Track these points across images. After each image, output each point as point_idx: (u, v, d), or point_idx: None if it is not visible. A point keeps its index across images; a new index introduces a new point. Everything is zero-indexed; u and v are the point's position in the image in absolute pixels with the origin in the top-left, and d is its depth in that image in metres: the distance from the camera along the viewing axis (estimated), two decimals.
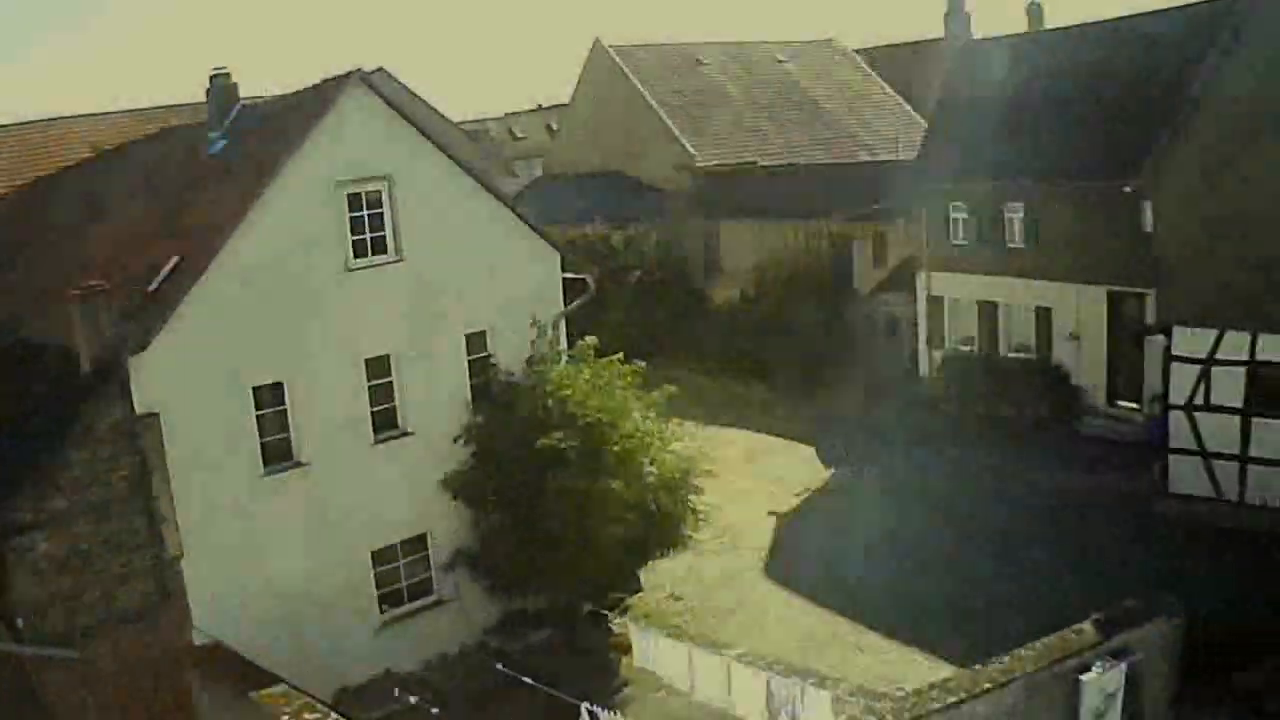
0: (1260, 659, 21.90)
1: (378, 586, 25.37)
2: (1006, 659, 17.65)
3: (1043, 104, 40.32)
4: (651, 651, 23.72)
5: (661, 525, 26.09)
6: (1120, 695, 18.00)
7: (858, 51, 69.66)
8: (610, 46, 60.96)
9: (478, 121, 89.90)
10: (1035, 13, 47.39)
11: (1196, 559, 26.48)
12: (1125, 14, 40.54)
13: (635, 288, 51.77)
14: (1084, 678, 17.45)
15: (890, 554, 28.98)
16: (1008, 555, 28.78)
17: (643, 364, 27.15)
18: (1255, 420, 28.42)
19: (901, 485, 34.49)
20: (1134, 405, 37.53)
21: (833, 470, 37.54)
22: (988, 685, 17.04)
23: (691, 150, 57.09)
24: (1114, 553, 28.24)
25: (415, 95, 67.84)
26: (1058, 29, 43.75)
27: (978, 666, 17.62)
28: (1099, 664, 17.91)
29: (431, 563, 26.10)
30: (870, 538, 29.89)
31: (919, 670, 23.64)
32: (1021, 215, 40.47)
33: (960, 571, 28.00)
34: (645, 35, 64.16)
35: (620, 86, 60.03)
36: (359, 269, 24.47)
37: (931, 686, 17.36)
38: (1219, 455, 29.21)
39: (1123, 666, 18.06)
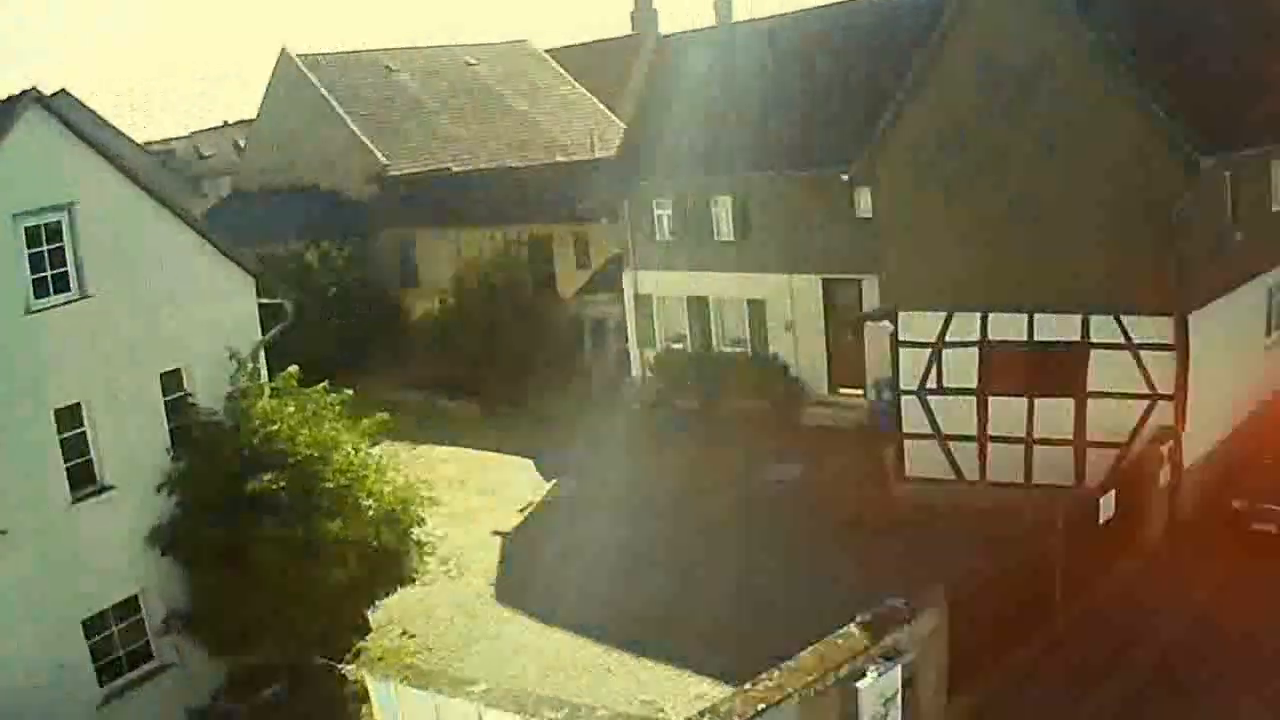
0: (1028, 635, 22.08)
1: (94, 658, 22.51)
2: (778, 673, 16.82)
3: (752, 95, 40.48)
4: (390, 699, 21.81)
5: (386, 563, 24.45)
6: (899, 697, 17.62)
7: (549, 52, 69.04)
8: (297, 56, 58.84)
9: (163, 142, 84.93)
10: (724, 7, 47.55)
11: (944, 542, 26.63)
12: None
13: (334, 307, 49.23)
14: (860, 685, 16.89)
15: (625, 565, 28.16)
16: (749, 556, 28.28)
17: (349, 392, 25.36)
18: (991, 399, 28.81)
19: (626, 492, 33.55)
20: (857, 392, 37.91)
21: (554, 482, 36.36)
22: (761, 706, 16.13)
23: (384, 159, 55.32)
24: (860, 545, 28.27)
25: (100, 119, 63.47)
26: (773, 16, 43.88)
27: (747, 686, 16.72)
28: (873, 669, 17.36)
29: (147, 626, 23.40)
30: (601, 550, 29.06)
31: (678, 688, 23.03)
32: (730, 208, 40.47)
33: (702, 577, 27.48)
34: (334, 43, 61.52)
35: (308, 97, 57.44)
36: (40, 310, 21.54)
37: (703, 714, 16.37)
38: (957, 437, 29.60)
39: (897, 668, 17.64)
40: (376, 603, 26.33)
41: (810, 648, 17.52)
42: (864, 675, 17.19)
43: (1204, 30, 30.56)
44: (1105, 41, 26.01)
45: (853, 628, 18.03)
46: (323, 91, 57.07)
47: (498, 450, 39.81)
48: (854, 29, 38.88)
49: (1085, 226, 26.97)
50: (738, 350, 41.47)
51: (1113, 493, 24.47)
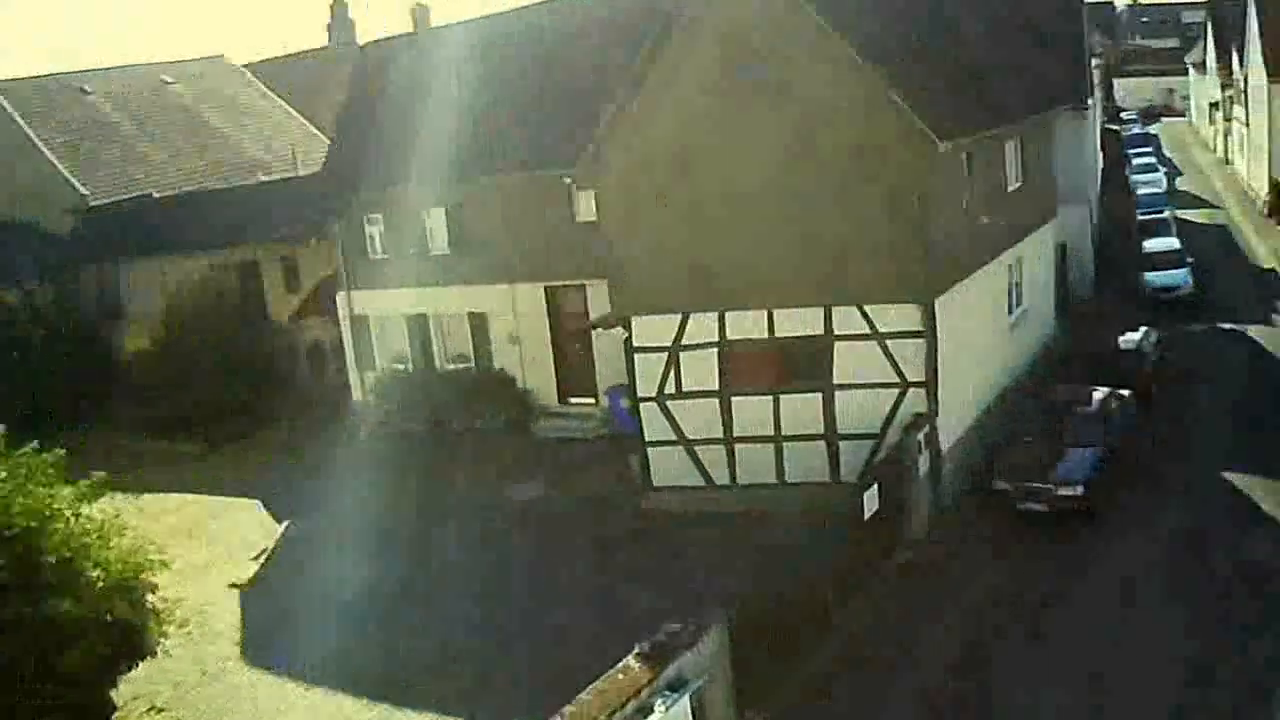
0: (810, 643, 20.88)
1: None
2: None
3: (458, 100, 38.22)
4: None
5: (124, 637, 21.52)
6: None
7: (247, 67, 64.79)
8: None
9: None
10: (421, 15, 45.25)
11: (704, 552, 25.48)
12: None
13: (41, 354, 44.64)
14: None
15: (375, 609, 26.19)
16: (505, 586, 26.62)
17: (61, 451, 22.15)
18: (735, 400, 27.45)
19: (364, 526, 31.25)
20: (589, 401, 36.18)
21: (287, 523, 33.55)
22: None
23: (82, 190, 51.01)
24: (617, 563, 26.54)
25: None
26: (474, 20, 41.93)
27: None
28: (660, 702, 15.90)
29: None
30: (347, 594, 26.97)
31: None
32: (443, 219, 38.29)
33: (459, 613, 25.52)
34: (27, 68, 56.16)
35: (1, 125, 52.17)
36: None
37: None
38: (703, 441, 28.14)
39: (685, 698, 16.22)
40: (119, 680, 22.99)
41: (589, 687, 15.70)
42: (651, 711, 15.67)
43: (931, 19, 30.39)
44: (840, 30, 24.97)
45: (631, 660, 16.31)
46: (17, 119, 52.20)
47: (224, 493, 36.74)
48: (566, 26, 37.47)
49: (825, 218, 25.89)
50: (463, 367, 39.33)
51: (875, 487, 23.45)
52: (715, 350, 27.52)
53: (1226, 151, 77.82)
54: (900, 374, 25.94)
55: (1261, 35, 57.02)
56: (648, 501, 29.19)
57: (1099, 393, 28.47)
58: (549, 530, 29.69)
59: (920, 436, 25.34)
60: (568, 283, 35.77)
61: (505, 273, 36.92)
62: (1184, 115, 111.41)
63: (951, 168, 25.95)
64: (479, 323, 38.58)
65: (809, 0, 24.75)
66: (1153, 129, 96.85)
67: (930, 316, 25.33)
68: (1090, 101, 42.38)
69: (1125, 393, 29.09)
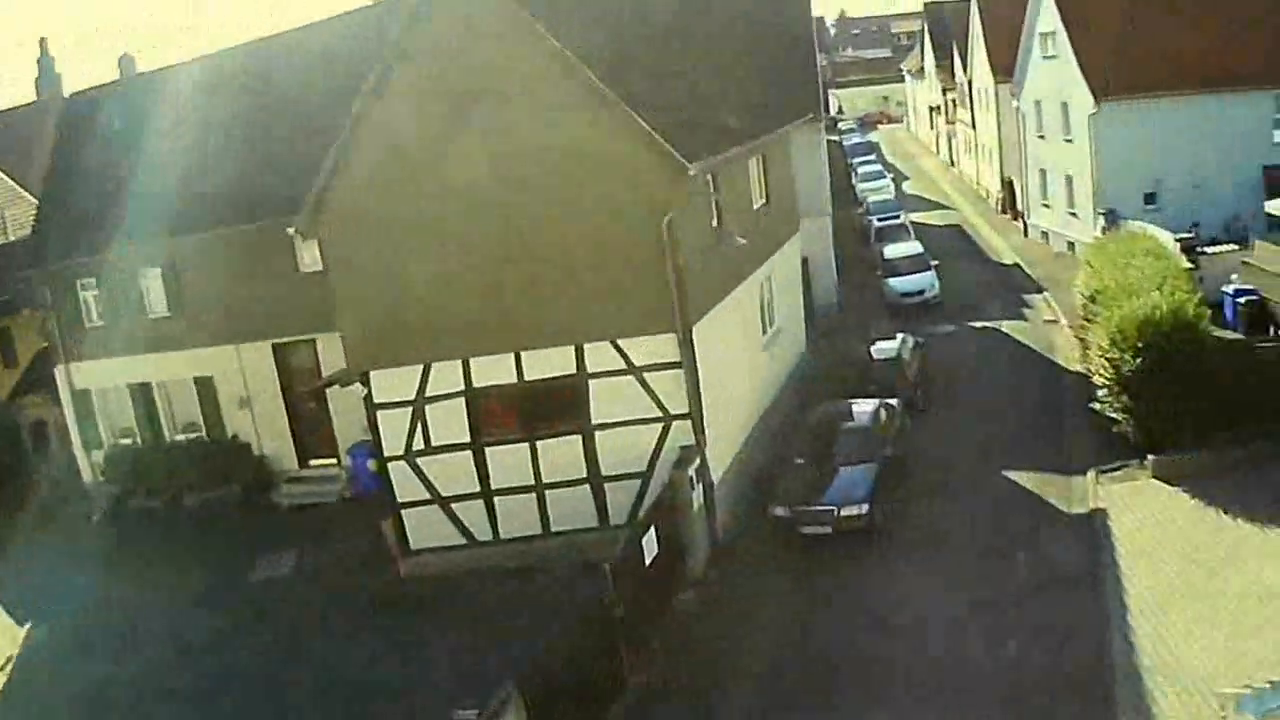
0: (608, 700, 19.34)
1: None
2: None
3: (168, 150, 35.14)
4: None
5: None
6: None
7: None
8: None
9: None
10: (127, 64, 41.81)
11: (476, 617, 23.62)
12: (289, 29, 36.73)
13: None
14: None
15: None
16: (270, 674, 23.97)
17: None
18: (489, 451, 25.43)
19: (108, 625, 28.18)
20: (332, 462, 33.60)
21: (25, 629, 29.69)
22: None
23: None
24: (386, 637, 24.18)
25: None
26: (182, 63, 38.82)
27: None
28: None
29: None
30: (103, 712, 23.75)
31: None
32: (160, 279, 34.97)
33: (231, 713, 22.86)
34: None
35: None
36: None
37: None
38: (459, 497, 25.98)
39: None
40: None
41: None
42: None
43: (664, 39, 29.27)
44: (578, 54, 23.27)
45: None
46: None
47: None
48: (290, 62, 34.78)
49: (571, 252, 24.15)
50: (194, 436, 35.94)
51: (653, 530, 21.87)
52: (463, 400, 25.40)
53: (951, 154, 79.80)
54: (662, 408, 24.33)
55: (985, 39, 58.15)
56: (407, 566, 26.78)
57: (867, 406, 27.52)
58: (305, 606, 27.11)
59: (691, 471, 23.74)
60: (297, 338, 33.09)
61: (229, 332, 33.97)
62: (901, 121, 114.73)
63: (699, 191, 24.60)
64: (206, 388, 35.31)
65: (539, 23, 23.11)
66: (873, 137, 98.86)
67: (688, 346, 23.82)
68: (823, 113, 41.99)
69: (893, 402, 28.22)
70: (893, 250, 46.10)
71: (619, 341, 24.08)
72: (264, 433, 34.78)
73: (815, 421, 27.48)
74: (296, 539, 31.00)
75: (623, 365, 24.19)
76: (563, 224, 24.01)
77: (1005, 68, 54.57)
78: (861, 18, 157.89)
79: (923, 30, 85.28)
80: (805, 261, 38.22)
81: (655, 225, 23.00)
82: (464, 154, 24.11)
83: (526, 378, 24.91)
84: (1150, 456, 25.36)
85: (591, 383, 24.57)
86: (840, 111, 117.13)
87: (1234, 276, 35.76)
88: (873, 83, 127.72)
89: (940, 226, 58.95)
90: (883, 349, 32.57)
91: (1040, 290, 43.35)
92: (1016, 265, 48.22)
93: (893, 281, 43.51)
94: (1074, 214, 47.28)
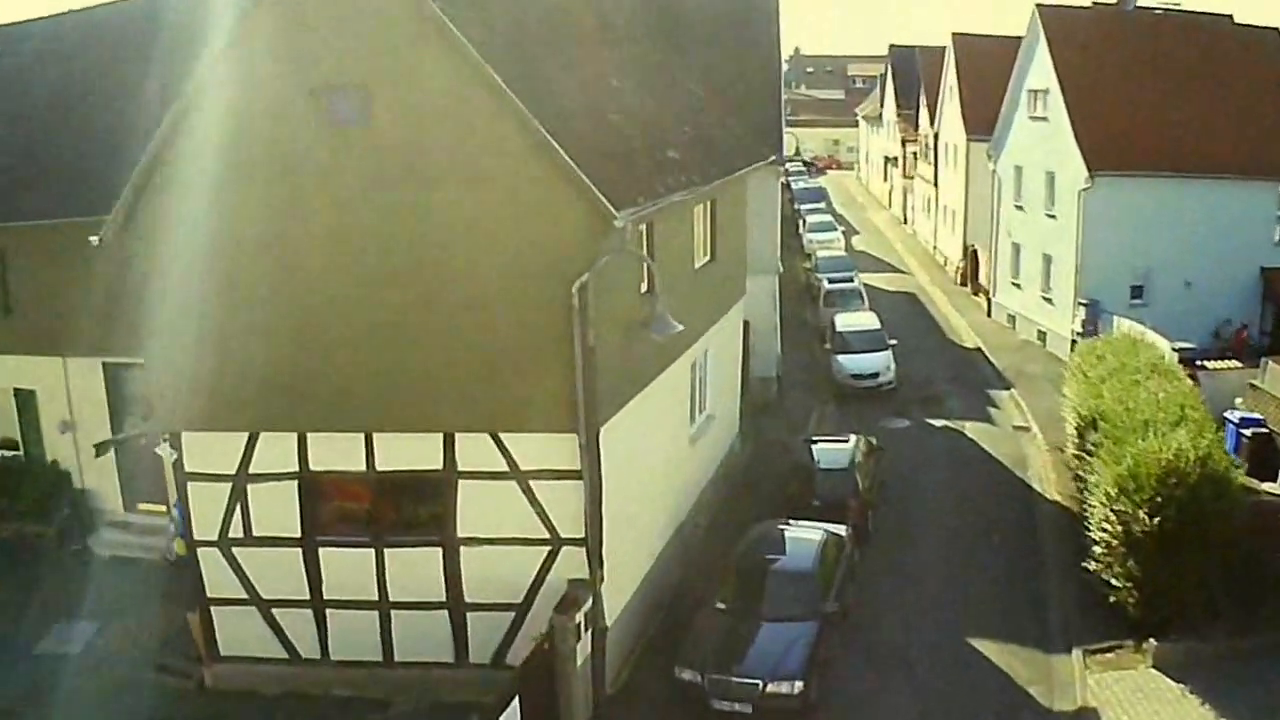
0: None
1: None
2: None
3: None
4: None
5: None
6: None
7: None
8: None
9: None
10: None
11: None
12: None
13: None
14: None
15: None
16: None
17: None
18: (324, 550, 19.87)
19: None
20: (163, 508, 27.65)
21: None
22: None
23: None
24: None
25: None
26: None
27: None
28: None
29: None
30: None
31: None
32: None
33: None
34: None
35: None
36: None
37: None
38: (283, 602, 20.47)
39: None
40: None
41: None
42: None
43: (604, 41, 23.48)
44: (483, 55, 17.46)
45: None
46: None
47: None
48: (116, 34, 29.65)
49: (449, 313, 18.46)
50: (10, 455, 30.11)
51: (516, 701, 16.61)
52: (295, 484, 19.77)
53: (906, 211, 75.31)
54: (550, 527, 18.84)
55: (961, 90, 53.38)
56: (214, 673, 21.33)
57: (810, 536, 22.19)
58: (91, 704, 21.43)
59: (579, 616, 18.20)
60: (134, 360, 27.09)
61: (56, 342, 28.04)
62: (852, 169, 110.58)
63: (628, 246, 18.65)
64: (27, 402, 29.59)
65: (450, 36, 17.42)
66: (820, 182, 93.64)
67: (592, 451, 18.28)
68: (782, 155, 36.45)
69: (842, 532, 22.99)
70: (845, 321, 40.71)
71: (502, 436, 18.54)
72: (87, 464, 28.84)
73: (743, 553, 21.98)
74: (103, 603, 25.12)
75: (504, 466, 18.66)
76: (442, 274, 18.38)
77: (981, 124, 50.12)
78: (817, 56, 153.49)
79: (885, 74, 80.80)
80: (746, 325, 32.99)
81: (563, 289, 17.47)
82: (320, 163, 18.42)
83: (379, 466, 19.31)
84: (1152, 641, 20.69)
85: (462, 484, 19.01)
86: (797, 152, 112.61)
87: (1238, 401, 31.07)
88: (824, 125, 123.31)
89: (892, 293, 53.68)
90: (831, 456, 27.17)
91: (1008, 386, 38.34)
92: (979, 350, 43.20)
93: (843, 360, 38.14)
94: (1048, 299, 42.47)
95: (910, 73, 69.00)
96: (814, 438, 28.93)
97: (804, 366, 39.77)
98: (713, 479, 27.12)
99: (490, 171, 17.71)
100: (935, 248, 63.02)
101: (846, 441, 27.75)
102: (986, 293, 49.90)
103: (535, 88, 18.37)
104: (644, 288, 19.97)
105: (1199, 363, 32.96)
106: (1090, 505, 22.90)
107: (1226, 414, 29.14)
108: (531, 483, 18.55)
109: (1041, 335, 42.92)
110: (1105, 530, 21.61)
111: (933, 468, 30.82)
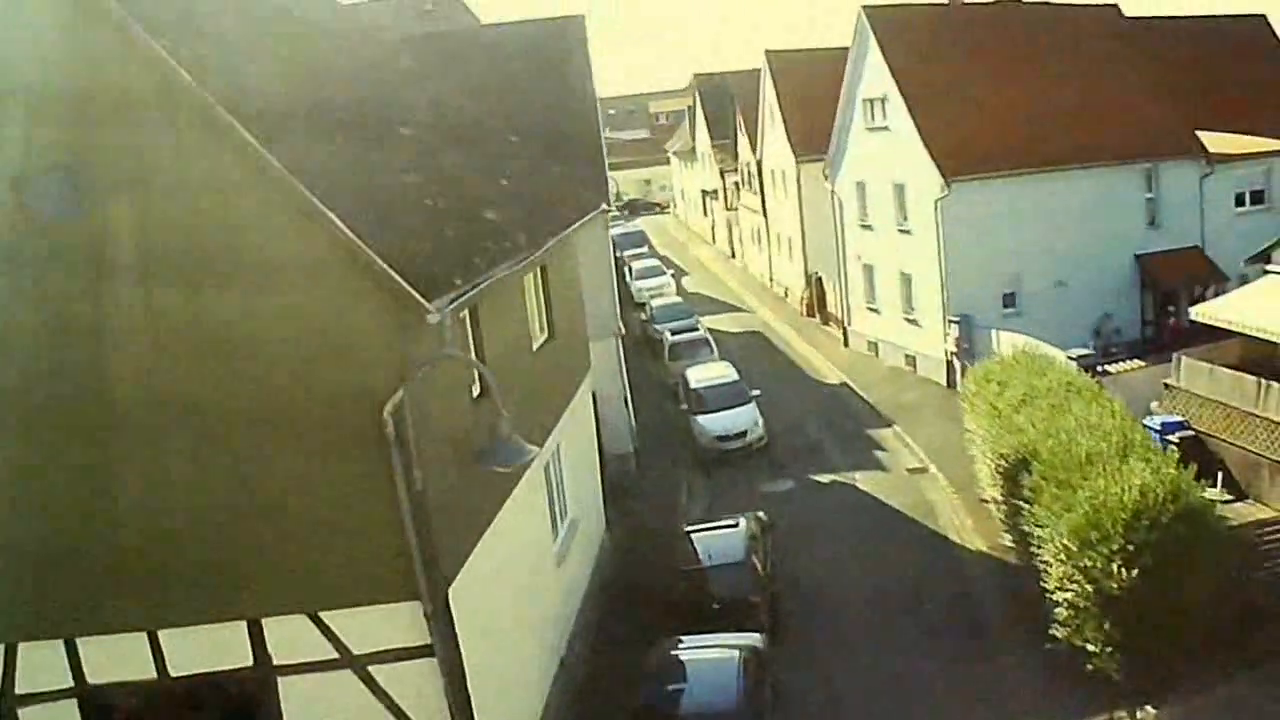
0: None
1: None
2: None
3: None
4: None
5: None
6: None
7: None
8: None
9: None
10: None
11: None
12: None
13: None
14: None
15: None
16: None
17: None
18: None
19: None
20: None
21: None
22: None
23: None
24: None
25: None
26: None
27: None
28: None
29: None
30: None
31: None
32: None
33: None
34: None
35: None
36: None
37: None
38: None
39: None
40: None
41: None
42: None
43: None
44: (258, 137, 12.90)
45: None
46: None
47: None
48: None
49: (238, 461, 13.91)
50: None
51: None
52: (74, 703, 15.11)
53: (732, 244, 72.26)
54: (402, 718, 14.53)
55: (782, 110, 50.47)
56: None
57: (723, 658, 18.37)
58: None
59: None
60: None
61: None
62: (667, 208, 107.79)
63: (449, 345, 14.19)
64: None
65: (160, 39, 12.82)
66: (637, 224, 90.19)
67: (442, 620, 14.06)
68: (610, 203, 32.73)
69: (756, 641, 19.18)
70: (698, 375, 36.93)
71: (323, 615, 14.18)
72: None
73: (648, 695, 17.92)
74: None
75: (332, 653, 14.27)
76: (223, 406, 13.84)
77: (810, 144, 47.27)
78: (616, 97, 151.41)
79: (694, 105, 77.78)
80: (593, 398, 29.17)
81: (374, 415, 13.32)
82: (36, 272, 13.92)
83: (172, 671, 14.75)
84: (1149, 709, 17.77)
85: (282, 681, 14.57)
86: (617, 196, 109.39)
87: (1154, 405, 28.30)
88: (634, 165, 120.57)
89: (737, 334, 50.15)
90: (721, 547, 23.14)
91: (888, 423, 35.02)
92: (845, 386, 39.87)
93: (704, 421, 34.27)
94: (913, 320, 39.47)
95: (721, 100, 66.09)
96: (692, 527, 25.01)
97: (660, 431, 35.97)
98: (588, 592, 23.16)
99: (256, 264, 13.27)
100: (772, 280, 59.91)
101: (735, 526, 23.89)
102: (839, 321, 46.72)
103: (299, 150, 14.24)
104: (475, 390, 16.03)
105: (1100, 368, 30.18)
106: (1042, 562, 19.57)
107: (1145, 420, 26.23)
108: (371, 669, 14.24)
109: (910, 360, 39.88)
110: (1070, 590, 18.38)
111: (832, 533, 27.19)
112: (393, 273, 12.52)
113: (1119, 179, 37.31)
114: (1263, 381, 25.45)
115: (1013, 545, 23.10)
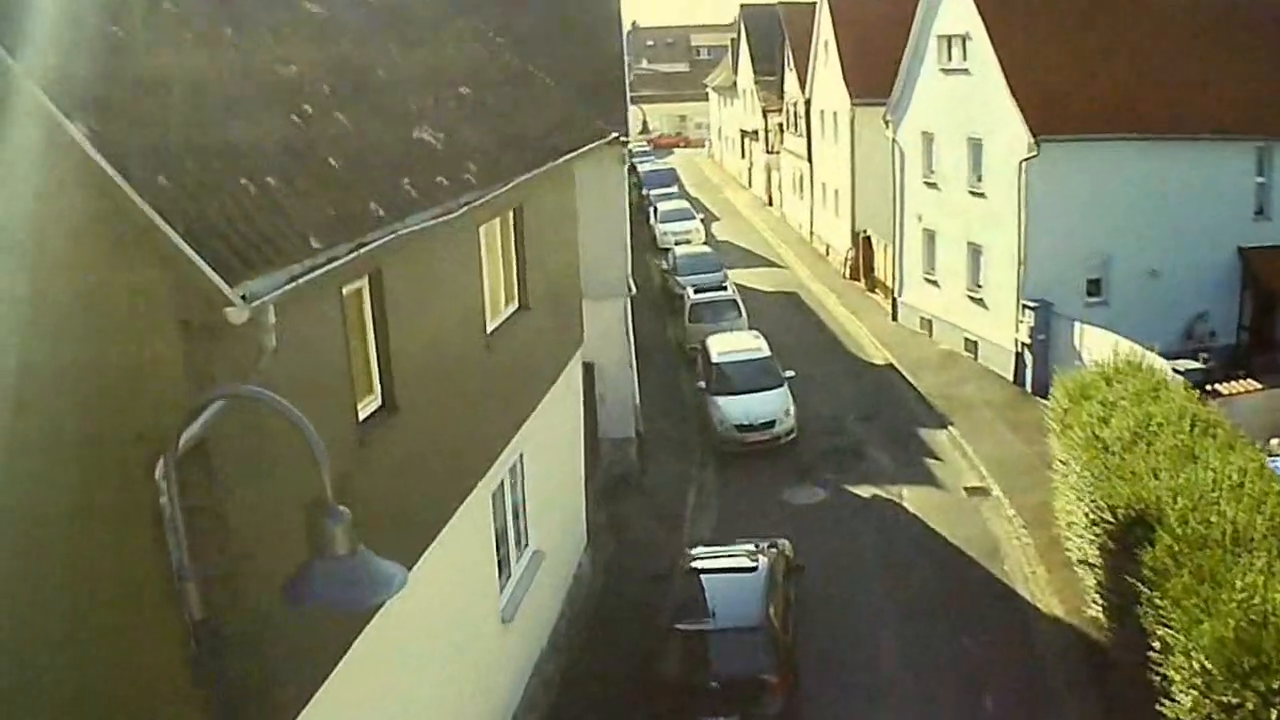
0: None
1: None
2: None
3: None
4: None
5: None
6: None
7: None
8: None
9: None
10: None
11: None
12: None
13: None
14: None
15: None
16: None
17: None
18: None
19: None
20: None
21: None
22: None
23: None
24: None
25: None
26: None
27: None
28: None
29: None
30: None
31: None
32: None
33: None
34: None
35: None
36: None
37: None
38: None
39: None
40: None
41: None
42: None
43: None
44: None
45: None
46: None
47: None
48: None
49: None
50: None
51: None
52: None
53: (770, 191, 66.79)
54: None
55: (839, 48, 44.80)
56: None
57: None
58: None
59: None
60: None
61: None
62: (703, 146, 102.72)
63: (256, 363, 8.28)
64: None
65: None
66: (670, 162, 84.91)
67: None
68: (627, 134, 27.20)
69: None
70: (722, 346, 31.23)
71: None
72: None
73: None
74: None
75: None
76: None
77: (868, 85, 41.83)
78: (657, 28, 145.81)
79: (738, 37, 72.14)
80: (590, 370, 24.03)
81: (143, 482, 7.79)
82: None
83: None
84: None
85: None
86: (644, 129, 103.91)
87: (1274, 441, 23.07)
88: (669, 100, 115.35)
89: (769, 294, 44.65)
90: (731, 602, 17.67)
91: (943, 423, 29.55)
92: (892, 368, 34.39)
93: (725, 405, 28.71)
94: (978, 300, 33.92)
95: (769, 33, 60.55)
96: (696, 556, 19.68)
97: (671, 409, 30.81)
98: (545, 653, 17.98)
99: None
100: (813, 234, 54.37)
101: (752, 566, 18.48)
102: (888, 290, 41.20)
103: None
104: (356, 419, 10.72)
105: (1210, 386, 24.84)
106: (1160, 673, 14.38)
107: (1269, 462, 20.89)
108: None
109: (971, 345, 34.33)
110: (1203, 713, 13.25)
111: (869, 575, 21.79)
112: (172, 233, 7.12)
113: (1228, 156, 31.63)
114: None
115: (1106, 623, 17.95)
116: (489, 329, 14.60)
